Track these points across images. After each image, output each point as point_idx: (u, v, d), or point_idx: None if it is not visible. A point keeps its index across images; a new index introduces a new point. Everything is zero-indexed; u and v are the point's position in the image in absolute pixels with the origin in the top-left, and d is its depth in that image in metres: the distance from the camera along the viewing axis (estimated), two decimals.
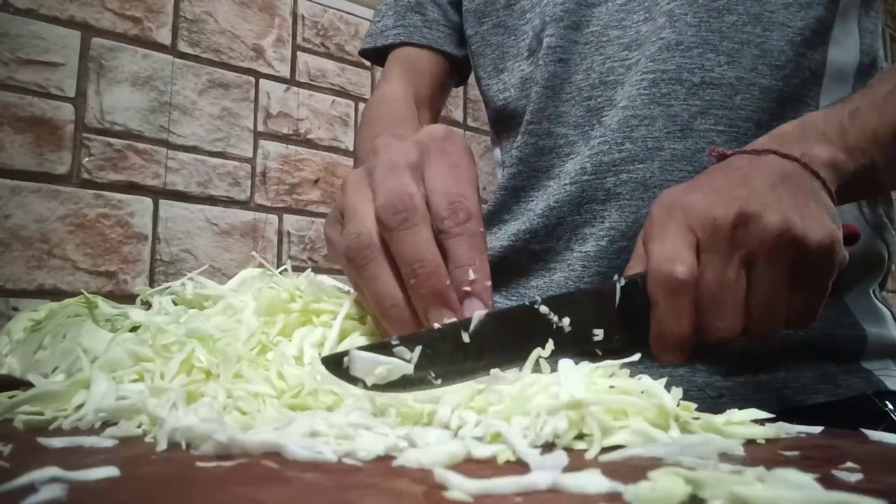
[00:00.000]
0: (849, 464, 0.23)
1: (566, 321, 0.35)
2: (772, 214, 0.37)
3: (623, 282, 0.37)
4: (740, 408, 0.33)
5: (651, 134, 0.56)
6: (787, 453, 0.26)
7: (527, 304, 0.35)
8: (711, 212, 0.37)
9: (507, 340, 0.34)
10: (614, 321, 0.36)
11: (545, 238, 0.60)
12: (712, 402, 0.55)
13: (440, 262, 0.35)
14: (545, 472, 0.20)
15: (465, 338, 0.33)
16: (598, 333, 0.36)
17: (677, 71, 0.56)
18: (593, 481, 0.19)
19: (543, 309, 0.35)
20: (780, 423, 0.34)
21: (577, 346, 0.35)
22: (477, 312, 0.34)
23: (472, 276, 0.35)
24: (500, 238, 0.64)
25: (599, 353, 0.36)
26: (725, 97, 0.55)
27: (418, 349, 0.32)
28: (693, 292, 0.37)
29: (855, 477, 0.21)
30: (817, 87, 0.58)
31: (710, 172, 0.42)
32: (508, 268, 0.63)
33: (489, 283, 0.36)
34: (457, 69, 0.77)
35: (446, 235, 0.36)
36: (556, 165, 0.62)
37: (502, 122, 0.70)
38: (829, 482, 0.21)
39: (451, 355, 0.33)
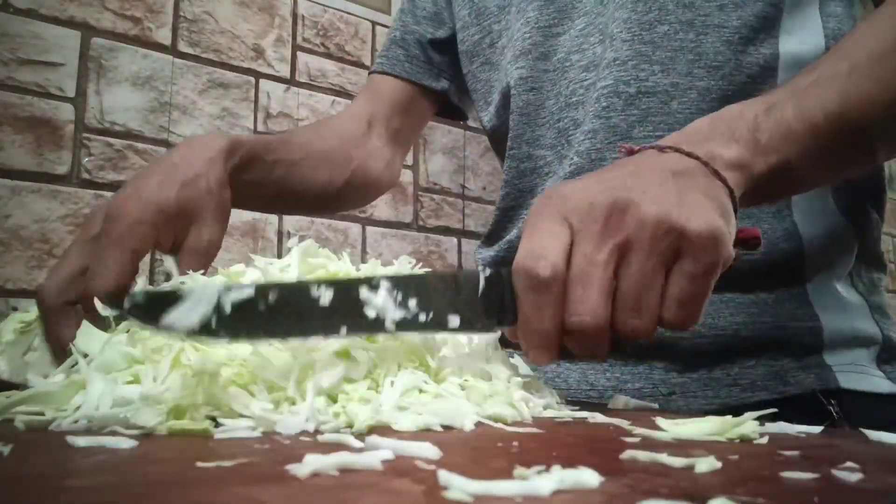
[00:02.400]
0: (849, 464, 0.23)
1: (412, 303, 0.35)
2: (651, 203, 0.35)
3: (488, 272, 0.37)
4: (688, 405, 0.33)
5: (594, 146, 0.60)
6: (787, 453, 0.26)
7: (363, 278, 0.35)
8: (587, 198, 0.36)
9: (343, 308, 0.34)
10: (476, 309, 0.36)
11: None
12: (664, 400, 0.56)
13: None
14: (548, 479, 0.20)
15: (319, 298, 0.33)
16: (454, 321, 0.35)
17: (615, 85, 0.59)
18: (590, 480, 0.19)
19: (385, 283, 0.34)
20: (780, 423, 0.34)
21: (426, 329, 0.35)
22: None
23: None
24: (499, 253, 0.70)
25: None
26: (661, 104, 0.58)
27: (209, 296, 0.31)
28: (559, 289, 0.35)
29: (855, 477, 0.21)
30: (772, 80, 0.58)
31: (606, 167, 0.41)
32: None
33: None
34: (440, 100, 0.84)
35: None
36: (539, 185, 0.67)
37: (498, 148, 0.76)
38: (829, 482, 0.21)
39: (258, 314, 0.32)
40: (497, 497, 0.18)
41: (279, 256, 0.52)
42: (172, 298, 0.31)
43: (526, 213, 0.66)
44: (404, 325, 0.34)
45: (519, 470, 0.20)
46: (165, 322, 0.31)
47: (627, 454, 0.24)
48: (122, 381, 0.34)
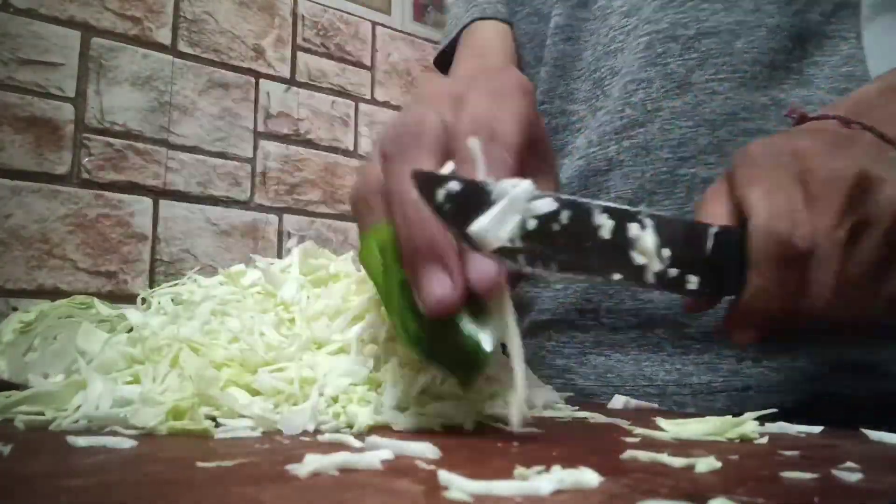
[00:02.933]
0: (849, 464, 0.23)
1: (666, 253, 0.29)
2: (884, 180, 0.30)
3: (716, 227, 0.31)
4: (764, 404, 0.31)
5: (649, 96, 0.53)
6: (787, 453, 0.26)
7: (631, 210, 0.29)
8: (829, 163, 0.31)
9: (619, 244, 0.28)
10: (704, 269, 0.30)
11: None
12: (738, 396, 0.48)
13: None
14: (548, 479, 0.20)
15: (600, 225, 0.27)
16: (693, 281, 0.30)
17: (671, 28, 0.53)
18: (590, 480, 0.19)
19: (649, 222, 0.29)
20: (780, 423, 0.34)
21: (668, 287, 0.30)
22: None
23: (477, 147, 0.27)
24: None
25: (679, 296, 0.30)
26: (724, 44, 0.52)
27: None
28: (805, 266, 0.30)
29: (855, 477, 0.21)
30: (854, 18, 0.53)
31: (801, 130, 0.36)
32: None
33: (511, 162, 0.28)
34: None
35: (459, 158, 0.28)
36: (570, 143, 0.60)
37: None
38: (829, 482, 0.21)
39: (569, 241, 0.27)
40: (497, 497, 0.18)
41: (279, 256, 0.52)
42: (483, 198, 0.25)
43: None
44: (659, 280, 0.29)
45: (519, 470, 0.20)
46: (475, 230, 0.25)
47: (627, 454, 0.24)
48: (121, 381, 0.34)
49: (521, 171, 0.29)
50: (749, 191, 0.31)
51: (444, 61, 0.72)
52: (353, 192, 0.32)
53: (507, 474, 0.20)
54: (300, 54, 1.46)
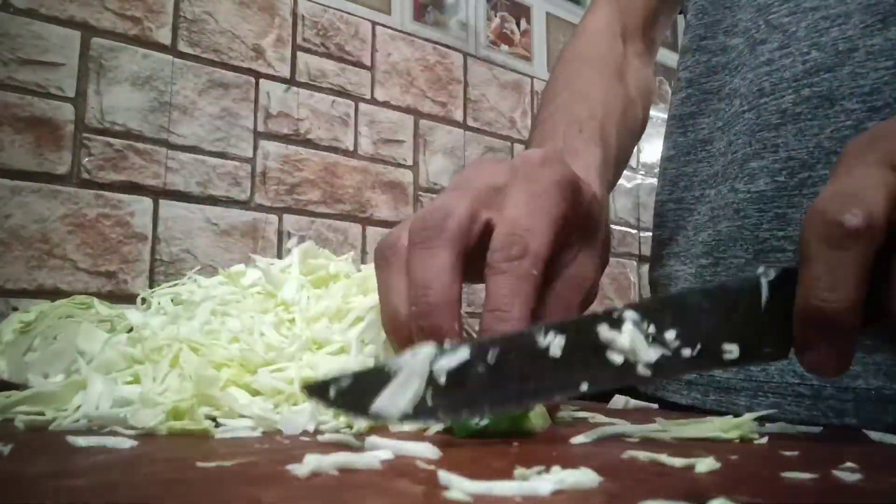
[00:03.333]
0: (849, 464, 0.23)
1: (670, 335, 0.26)
2: None
3: (772, 275, 0.27)
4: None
5: (844, 34, 0.44)
6: (787, 453, 0.26)
7: (600, 314, 0.26)
8: None
9: (579, 355, 0.26)
10: (761, 328, 0.27)
11: (721, 180, 0.50)
12: (873, 407, 0.41)
13: (452, 296, 0.30)
14: (548, 479, 0.20)
15: (549, 347, 0.26)
16: (731, 350, 0.27)
17: None
18: (590, 480, 0.19)
19: (630, 314, 0.26)
20: (781, 423, 0.34)
21: (693, 368, 0.27)
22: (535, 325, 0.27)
23: (500, 322, 0.29)
24: (665, 182, 0.56)
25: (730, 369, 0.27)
26: None
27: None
28: (869, 250, 0.25)
29: (855, 477, 0.21)
30: None
31: None
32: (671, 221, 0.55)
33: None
34: None
35: (491, 270, 0.31)
36: (727, 84, 0.53)
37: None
38: (829, 482, 0.21)
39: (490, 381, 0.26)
40: (497, 497, 0.18)
41: (279, 257, 0.52)
42: (381, 377, 0.25)
43: (706, 120, 0.54)
44: (662, 366, 0.26)
45: (519, 470, 0.20)
46: (374, 409, 0.25)
47: (627, 454, 0.24)
48: (121, 381, 0.34)
49: (560, 248, 0.34)
50: (831, 180, 0.28)
51: None
52: (379, 249, 0.34)
53: (507, 474, 0.20)
54: (300, 54, 1.46)
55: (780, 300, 0.27)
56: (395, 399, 0.25)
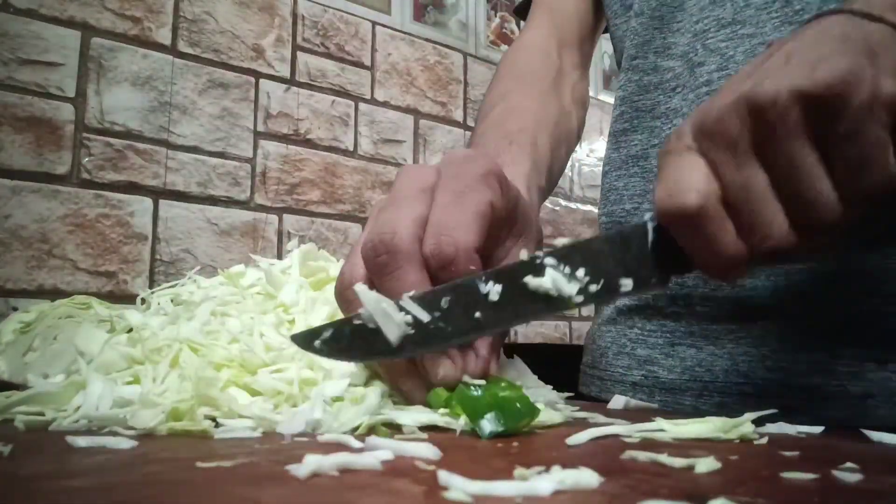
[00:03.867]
0: (849, 464, 0.23)
1: (581, 273, 0.32)
2: (769, 82, 0.29)
3: (657, 220, 0.32)
4: (891, 418, 0.29)
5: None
6: (787, 453, 0.26)
7: (527, 259, 0.32)
8: (709, 113, 0.31)
9: (513, 298, 0.32)
10: (648, 263, 0.33)
11: None
12: (856, 406, 0.43)
13: None
14: (548, 479, 0.20)
15: (487, 293, 0.32)
16: (626, 284, 0.32)
17: None
18: (590, 480, 0.19)
19: (549, 261, 0.32)
20: (781, 423, 0.34)
21: (599, 300, 0.33)
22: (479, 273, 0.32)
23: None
24: (615, 202, 0.58)
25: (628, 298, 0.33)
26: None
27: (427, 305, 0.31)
28: (720, 214, 0.30)
29: (855, 477, 0.21)
30: None
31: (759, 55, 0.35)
32: None
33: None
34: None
35: (434, 281, 0.33)
36: (662, 103, 0.56)
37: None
38: (829, 482, 0.21)
39: (464, 312, 0.32)
40: (497, 497, 0.18)
41: (279, 257, 0.52)
42: (359, 326, 0.31)
43: (639, 137, 0.57)
44: (578, 297, 0.32)
45: (519, 470, 0.20)
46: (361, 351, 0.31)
47: (627, 454, 0.24)
48: (121, 381, 0.34)
49: (495, 246, 0.37)
50: (657, 180, 0.32)
51: (524, 10, 0.71)
52: (339, 292, 0.36)
53: (507, 474, 0.20)
54: (300, 54, 1.46)
55: (662, 240, 0.32)
56: (379, 340, 0.30)
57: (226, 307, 0.41)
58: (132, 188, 1.22)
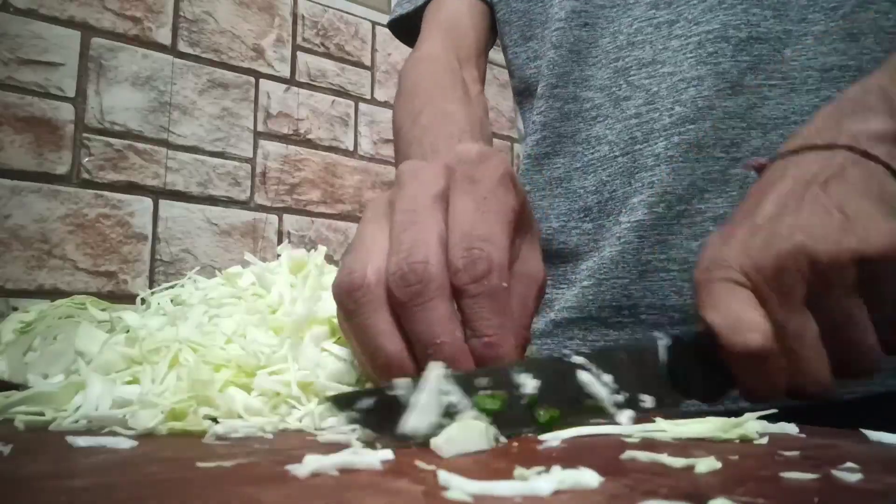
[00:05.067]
0: (849, 464, 0.23)
1: (608, 378, 0.31)
2: (817, 240, 0.32)
3: (666, 340, 0.34)
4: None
5: (700, 94, 0.52)
6: (787, 453, 0.26)
7: (558, 356, 0.31)
8: (752, 261, 0.33)
9: (555, 394, 0.30)
10: (662, 383, 0.33)
11: (597, 215, 0.57)
12: (856, 406, 0.45)
13: (462, 344, 0.31)
14: (548, 479, 0.20)
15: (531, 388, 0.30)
16: (646, 400, 0.32)
17: (723, 28, 0.53)
18: (590, 480, 0.19)
19: (577, 359, 0.31)
20: (781, 423, 0.34)
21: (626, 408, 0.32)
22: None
23: (494, 350, 0.31)
24: (543, 218, 0.60)
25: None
26: (774, 51, 0.52)
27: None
28: (776, 355, 0.33)
29: (855, 477, 0.21)
30: None
31: (746, 199, 0.38)
32: (554, 252, 0.59)
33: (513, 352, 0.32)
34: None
35: (462, 294, 0.31)
36: (583, 130, 0.59)
37: (527, 90, 0.67)
38: (829, 482, 0.21)
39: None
40: (497, 497, 0.18)
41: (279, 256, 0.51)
42: (397, 405, 0.27)
43: (562, 160, 0.60)
44: (612, 404, 0.31)
45: (519, 470, 0.20)
46: (406, 430, 0.27)
47: (627, 454, 0.24)
48: (120, 381, 0.34)
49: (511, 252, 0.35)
50: (706, 315, 0.33)
51: (401, 25, 0.72)
52: (343, 292, 0.32)
53: (507, 474, 0.20)
54: (300, 54, 1.46)
55: (676, 363, 0.33)
56: (419, 421, 0.27)
57: (220, 308, 0.41)
58: (132, 188, 1.22)
